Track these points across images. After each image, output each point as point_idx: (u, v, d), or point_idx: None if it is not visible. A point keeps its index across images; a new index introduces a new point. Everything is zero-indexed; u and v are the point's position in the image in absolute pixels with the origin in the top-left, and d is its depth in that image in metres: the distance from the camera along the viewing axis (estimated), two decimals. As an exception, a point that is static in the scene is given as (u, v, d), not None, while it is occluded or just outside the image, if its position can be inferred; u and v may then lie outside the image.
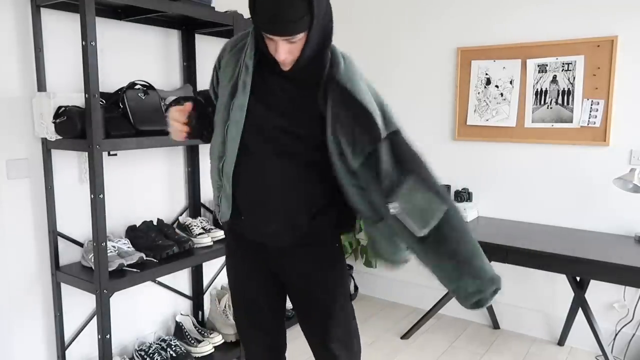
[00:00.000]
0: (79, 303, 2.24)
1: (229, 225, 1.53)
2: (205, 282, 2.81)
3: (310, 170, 1.39)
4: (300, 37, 1.23)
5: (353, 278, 3.49)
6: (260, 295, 1.54)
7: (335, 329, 1.48)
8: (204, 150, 2.74)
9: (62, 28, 2.09)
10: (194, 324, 2.60)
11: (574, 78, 2.71)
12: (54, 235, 2.10)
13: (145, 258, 2.16)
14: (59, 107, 1.92)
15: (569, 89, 2.73)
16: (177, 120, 1.47)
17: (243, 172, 1.42)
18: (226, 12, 2.41)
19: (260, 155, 1.39)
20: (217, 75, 1.51)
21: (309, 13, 1.20)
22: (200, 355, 2.45)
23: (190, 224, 2.50)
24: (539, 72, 2.81)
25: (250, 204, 1.44)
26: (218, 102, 1.48)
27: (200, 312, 2.78)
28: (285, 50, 1.25)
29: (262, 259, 1.51)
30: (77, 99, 1.96)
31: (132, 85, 2.11)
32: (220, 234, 2.53)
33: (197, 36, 2.64)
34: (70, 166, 2.18)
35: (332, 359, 1.50)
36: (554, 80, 2.77)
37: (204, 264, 2.73)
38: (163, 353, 2.33)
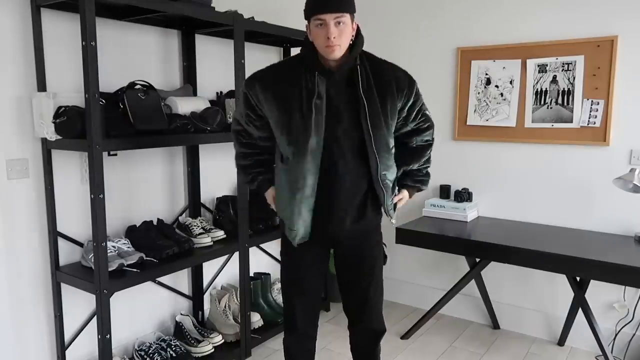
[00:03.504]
0: (79, 303, 2.24)
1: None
2: (205, 282, 2.81)
3: (363, 163, 1.72)
4: (346, 21, 1.57)
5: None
6: (315, 278, 1.88)
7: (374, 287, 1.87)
8: (204, 150, 2.74)
9: (62, 28, 2.09)
10: (194, 324, 2.60)
11: (574, 78, 2.71)
12: (54, 235, 2.10)
13: (145, 258, 2.16)
14: (59, 107, 1.92)
15: (569, 89, 2.73)
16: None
17: (325, 187, 1.70)
18: (226, 12, 2.41)
19: (338, 163, 1.69)
20: (258, 110, 1.75)
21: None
22: (200, 355, 2.45)
23: (190, 224, 2.50)
24: (539, 72, 2.81)
25: (328, 212, 1.73)
26: (279, 134, 1.70)
27: (200, 312, 2.78)
28: (335, 32, 1.55)
29: (322, 245, 1.84)
30: (77, 99, 1.96)
31: (132, 85, 2.11)
32: (220, 233, 2.53)
33: (197, 36, 2.64)
34: (70, 166, 2.18)
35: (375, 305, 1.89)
36: (554, 80, 2.77)
37: (204, 264, 2.73)
38: (163, 353, 2.33)
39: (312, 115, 1.62)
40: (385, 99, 1.69)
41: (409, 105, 1.77)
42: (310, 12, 1.58)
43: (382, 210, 1.84)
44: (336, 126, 1.66)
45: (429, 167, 1.96)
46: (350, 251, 1.84)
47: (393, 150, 1.79)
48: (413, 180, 1.92)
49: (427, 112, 1.91)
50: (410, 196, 1.93)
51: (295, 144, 1.64)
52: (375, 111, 1.67)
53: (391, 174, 1.79)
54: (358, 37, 1.68)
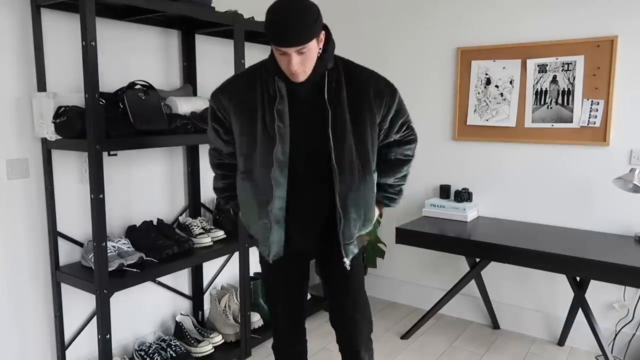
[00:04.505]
0: (79, 303, 2.24)
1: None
2: (205, 282, 2.81)
3: (326, 179, 1.59)
4: (310, 46, 1.43)
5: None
6: (295, 286, 1.83)
7: (358, 302, 1.80)
8: (204, 150, 2.74)
9: (62, 28, 2.09)
10: (194, 324, 2.60)
11: (574, 78, 2.71)
12: (54, 235, 2.10)
13: (145, 258, 2.16)
14: (59, 107, 1.92)
15: (569, 89, 2.73)
16: None
17: (293, 200, 1.60)
18: (226, 12, 2.41)
19: (305, 175, 1.59)
20: (226, 123, 1.65)
21: (314, 24, 1.41)
22: (200, 355, 2.45)
23: (190, 224, 2.50)
24: (539, 72, 2.81)
25: (298, 228, 1.65)
26: (243, 146, 1.61)
27: (200, 312, 2.78)
28: (297, 61, 1.44)
29: (298, 259, 1.77)
30: (77, 99, 1.96)
31: (132, 85, 2.11)
32: (220, 233, 2.53)
33: (197, 36, 2.64)
34: (70, 166, 2.18)
35: (354, 323, 1.79)
36: (554, 80, 2.77)
37: (204, 264, 2.73)
38: (163, 353, 2.33)
39: (275, 122, 1.50)
40: (359, 108, 1.55)
41: (390, 116, 1.63)
42: (269, 38, 1.43)
43: (339, 242, 1.63)
44: (301, 136, 1.54)
45: (403, 184, 1.82)
46: (325, 268, 1.77)
47: (370, 169, 1.62)
48: (382, 195, 1.78)
49: (412, 125, 1.76)
50: (377, 211, 1.78)
51: (261, 154, 1.54)
52: (341, 121, 1.53)
53: (356, 197, 1.59)
54: (328, 44, 1.53)
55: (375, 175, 1.68)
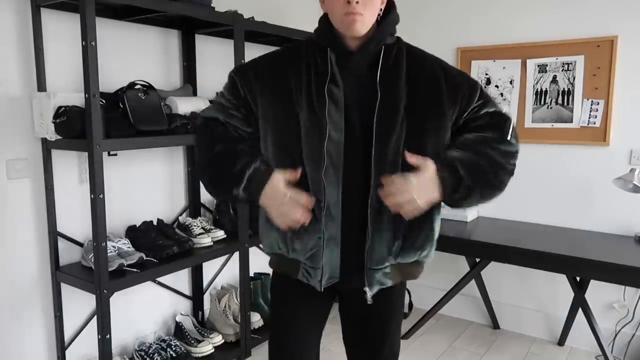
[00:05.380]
0: (79, 303, 2.24)
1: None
2: (205, 282, 2.81)
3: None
4: None
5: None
6: (315, 329, 1.45)
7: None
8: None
9: (62, 28, 2.09)
10: (194, 324, 2.60)
11: (574, 78, 2.71)
12: (54, 235, 2.10)
13: (145, 258, 2.16)
14: (59, 107, 1.92)
15: (569, 89, 2.73)
16: (302, 203, 1.22)
17: (346, 206, 1.24)
18: (226, 12, 2.41)
19: (357, 176, 1.23)
20: (249, 104, 1.30)
21: None
22: (200, 355, 2.45)
23: (190, 224, 2.50)
24: (539, 72, 2.81)
25: (357, 244, 1.26)
26: (276, 136, 1.26)
27: (200, 312, 2.78)
28: None
29: (333, 294, 1.41)
30: (77, 99, 1.96)
31: (132, 85, 2.11)
32: (220, 233, 2.53)
33: (197, 36, 2.64)
34: (70, 166, 2.17)
35: None
36: (554, 80, 2.77)
37: (204, 264, 2.73)
38: (163, 353, 2.33)
39: (326, 106, 1.19)
40: (421, 97, 1.23)
41: (470, 111, 1.29)
42: None
43: (365, 265, 1.26)
44: (355, 124, 1.22)
45: (504, 172, 1.34)
46: (361, 306, 1.33)
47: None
48: (457, 159, 1.24)
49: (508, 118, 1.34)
50: (434, 180, 1.21)
51: (307, 147, 1.21)
52: (391, 111, 1.20)
53: (396, 221, 1.24)
54: (390, 11, 1.29)
55: None
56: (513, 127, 1.32)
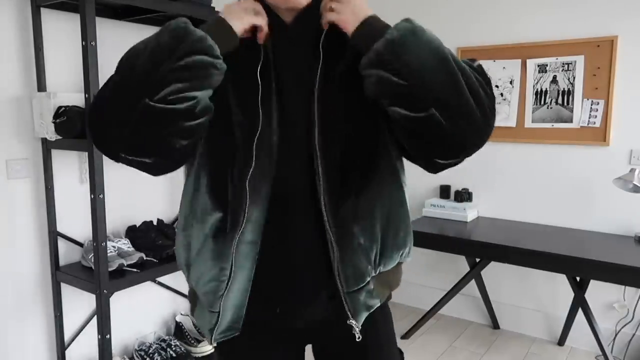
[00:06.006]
0: (79, 303, 2.24)
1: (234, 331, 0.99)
2: (205, 282, 2.81)
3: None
4: None
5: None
6: None
7: None
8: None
9: (62, 28, 2.09)
10: (194, 324, 2.60)
11: (574, 78, 2.71)
12: (54, 235, 2.10)
13: (145, 258, 2.16)
14: (59, 107, 1.92)
15: (569, 89, 2.73)
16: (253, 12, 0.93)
17: (272, 231, 0.94)
18: (226, 12, 2.41)
19: (288, 188, 0.95)
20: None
21: None
22: (200, 355, 2.45)
23: (190, 224, 2.49)
24: (539, 72, 2.81)
25: (282, 276, 0.97)
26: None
27: (200, 312, 2.77)
28: None
29: (291, 347, 1.09)
30: (77, 99, 1.96)
31: (132, 85, 2.11)
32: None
33: (197, 36, 2.63)
34: (70, 166, 2.18)
35: None
36: (554, 80, 2.77)
37: (204, 264, 2.73)
38: (163, 353, 2.33)
39: (259, 94, 0.91)
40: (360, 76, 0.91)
41: None
42: None
43: (339, 288, 0.95)
44: (287, 117, 0.93)
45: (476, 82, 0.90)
46: (326, 347, 1.07)
47: (397, 173, 1.01)
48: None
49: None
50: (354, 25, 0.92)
51: (233, 144, 0.92)
52: (333, 98, 0.93)
53: (360, 206, 0.94)
54: None
55: (398, 168, 1.01)
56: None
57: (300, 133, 0.93)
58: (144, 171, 0.93)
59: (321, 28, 0.95)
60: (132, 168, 0.91)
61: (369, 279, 0.98)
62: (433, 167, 0.97)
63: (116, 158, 0.89)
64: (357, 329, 0.97)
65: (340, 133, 0.93)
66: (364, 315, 0.99)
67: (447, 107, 0.83)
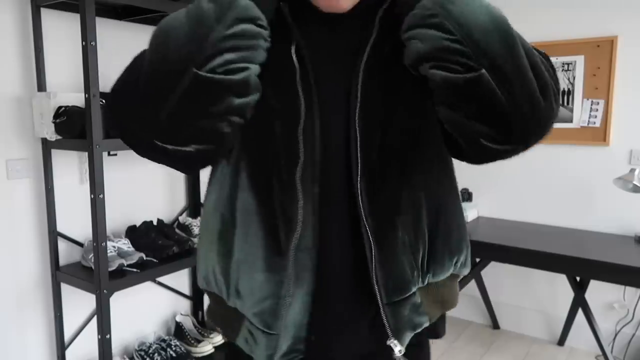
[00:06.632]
0: (79, 303, 2.24)
1: None
2: (205, 282, 2.81)
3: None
4: None
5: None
6: None
7: None
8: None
9: (62, 28, 2.09)
10: (194, 324, 2.60)
11: (574, 78, 2.71)
12: (54, 235, 2.10)
13: (145, 258, 2.16)
14: (59, 107, 1.92)
15: (569, 89, 2.73)
16: None
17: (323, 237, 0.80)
18: (226, 12, 2.41)
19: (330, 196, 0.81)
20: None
21: None
22: (200, 355, 2.45)
23: (190, 224, 2.50)
24: (539, 72, 2.81)
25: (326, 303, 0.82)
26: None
27: (200, 312, 2.78)
28: None
29: None
30: (77, 99, 1.96)
31: (132, 85, 2.11)
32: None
33: (197, 36, 2.64)
34: (70, 166, 2.17)
35: None
36: (554, 80, 2.77)
37: (204, 264, 2.73)
38: (163, 353, 2.33)
39: (300, 91, 0.80)
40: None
41: None
42: None
43: (377, 299, 0.79)
44: (327, 100, 0.81)
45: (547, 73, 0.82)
46: None
47: (447, 165, 0.94)
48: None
49: None
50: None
51: (274, 142, 0.80)
52: (382, 74, 0.81)
53: (409, 209, 0.81)
54: None
55: (448, 160, 0.95)
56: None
57: (340, 116, 0.80)
58: (177, 167, 0.84)
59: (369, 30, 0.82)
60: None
61: (414, 288, 0.81)
62: (481, 153, 0.85)
63: (147, 149, 0.78)
64: (397, 350, 0.79)
65: (382, 114, 0.80)
66: (408, 336, 0.82)
67: (501, 70, 0.71)
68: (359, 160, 0.78)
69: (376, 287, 0.78)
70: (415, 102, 0.82)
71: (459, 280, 0.93)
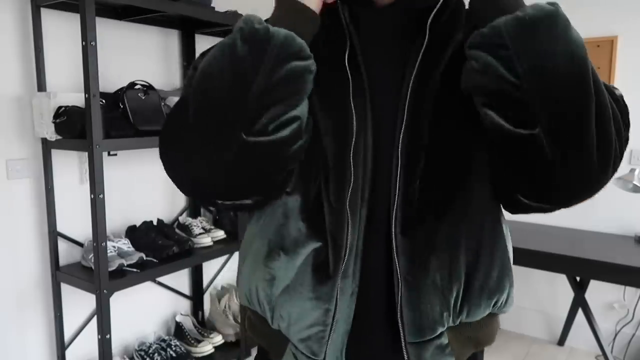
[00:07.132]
0: (79, 303, 2.24)
1: None
2: (205, 282, 2.81)
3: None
4: None
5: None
6: None
7: None
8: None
9: (62, 28, 2.09)
10: (194, 324, 2.60)
11: (574, 78, 2.71)
12: (54, 235, 2.10)
13: (145, 258, 2.16)
14: (59, 107, 1.92)
15: (569, 89, 2.74)
16: None
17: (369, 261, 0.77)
18: (226, 12, 2.41)
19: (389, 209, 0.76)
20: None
21: None
22: (200, 355, 2.45)
23: (190, 224, 2.50)
24: (539, 72, 2.82)
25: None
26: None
27: (200, 312, 2.78)
28: None
29: None
30: (77, 99, 1.96)
31: (132, 85, 2.11)
32: (220, 233, 2.53)
33: (197, 36, 2.64)
34: (70, 166, 2.18)
35: None
36: (554, 80, 2.78)
37: (204, 264, 2.73)
38: (163, 353, 2.33)
39: (350, 97, 0.75)
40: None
41: None
42: None
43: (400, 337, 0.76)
44: (379, 117, 0.76)
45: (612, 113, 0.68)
46: None
47: (492, 197, 0.79)
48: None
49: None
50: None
51: (324, 154, 0.76)
52: (432, 89, 0.75)
53: (444, 234, 0.75)
54: None
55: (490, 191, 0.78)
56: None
57: (388, 135, 0.74)
58: (241, 212, 0.85)
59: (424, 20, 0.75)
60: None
61: (442, 329, 0.76)
62: (513, 206, 0.77)
63: (211, 205, 0.76)
64: None
65: (427, 139, 0.74)
66: None
67: (559, 134, 0.62)
68: (397, 188, 0.74)
69: (400, 325, 0.75)
70: (465, 127, 0.75)
71: (498, 316, 0.87)
